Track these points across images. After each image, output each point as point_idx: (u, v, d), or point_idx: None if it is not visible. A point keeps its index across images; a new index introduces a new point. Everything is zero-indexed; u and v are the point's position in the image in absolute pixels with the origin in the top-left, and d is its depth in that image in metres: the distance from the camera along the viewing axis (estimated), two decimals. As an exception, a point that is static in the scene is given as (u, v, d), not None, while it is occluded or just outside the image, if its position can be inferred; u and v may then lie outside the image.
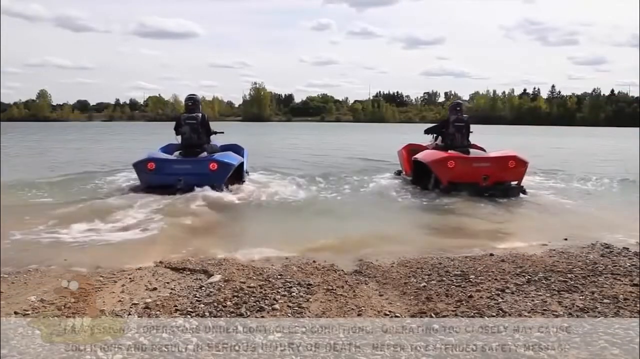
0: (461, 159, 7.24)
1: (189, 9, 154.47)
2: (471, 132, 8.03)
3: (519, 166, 7.10)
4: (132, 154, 10.75)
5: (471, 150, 7.91)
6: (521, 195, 7.17)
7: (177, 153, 7.73)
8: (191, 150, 7.48)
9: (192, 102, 7.68)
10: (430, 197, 7.07)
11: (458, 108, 8.07)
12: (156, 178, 6.94)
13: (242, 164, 7.97)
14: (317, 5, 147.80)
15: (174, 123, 7.81)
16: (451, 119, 7.97)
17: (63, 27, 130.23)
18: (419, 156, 7.76)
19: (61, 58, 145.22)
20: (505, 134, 33.96)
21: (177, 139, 7.70)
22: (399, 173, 9.46)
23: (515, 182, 7.26)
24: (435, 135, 8.34)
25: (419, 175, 7.87)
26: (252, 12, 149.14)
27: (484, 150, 8.11)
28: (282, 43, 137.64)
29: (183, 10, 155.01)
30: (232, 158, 7.48)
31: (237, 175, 7.73)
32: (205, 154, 7.45)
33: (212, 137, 7.92)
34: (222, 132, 8.12)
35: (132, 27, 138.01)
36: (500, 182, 7.14)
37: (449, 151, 7.59)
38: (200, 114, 7.59)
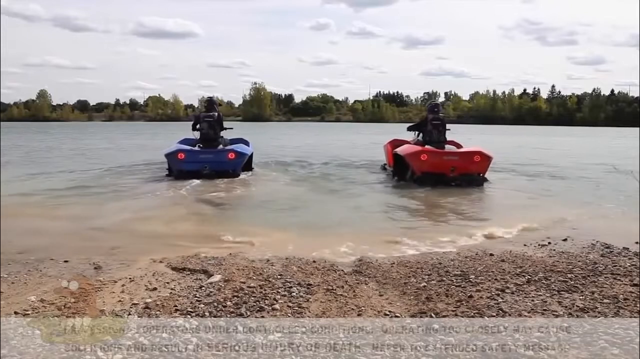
0: (433, 152, 8.10)
1: (188, 9, 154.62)
2: (448, 129, 8.75)
3: (483, 160, 8.06)
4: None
5: (446, 145, 8.64)
6: (484, 185, 8.06)
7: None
8: (208, 143, 8.81)
9: (209, 103, 9.27)
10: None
11: (436, 109, 8.94)
12: (186, 165, 8.43)
13: (252, 154, 9.69)
14: (315, 5, 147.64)
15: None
16: (429, 118, 8.72)
17: (62, 27, 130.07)
18: (398, 150, 8.64)
19: (60, 58, 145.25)
20: (504, 135, 33.93)
21: (194, 134, 9.04)
22: (383, 166, 10.42)
23: (481, 174, 8.14)
24: (417, 132, 9.07)
25: (398, 166, 8.73)
26: (251, 12, 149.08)
27: (460, 146, 8.92)
28: (281, 43, 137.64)
29: (182, 10, 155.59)
30: (246, 149, 9.19)
31: (248, 163, 9.44)
32: (221, 146, 8.86)
33: (222, 132, 9.19)
34: (232, 128, 9.54)
35: (131, 27, 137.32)
36: (467, 173, 7.97)
37: (425, 146, 8.34)
38: (216, 113, 9.01)
